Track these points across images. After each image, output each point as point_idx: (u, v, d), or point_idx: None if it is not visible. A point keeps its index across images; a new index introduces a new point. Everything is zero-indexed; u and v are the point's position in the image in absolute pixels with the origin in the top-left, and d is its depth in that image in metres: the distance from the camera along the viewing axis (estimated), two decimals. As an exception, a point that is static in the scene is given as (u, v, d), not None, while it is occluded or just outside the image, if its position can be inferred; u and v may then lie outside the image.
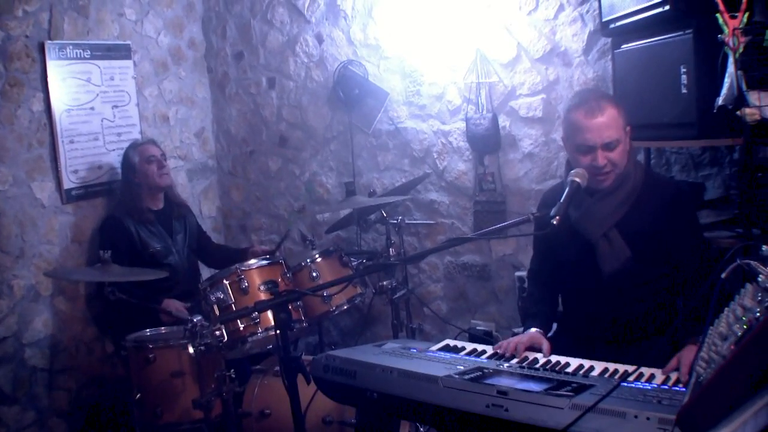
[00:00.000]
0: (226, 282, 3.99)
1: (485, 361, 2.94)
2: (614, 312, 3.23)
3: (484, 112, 4.92)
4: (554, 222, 2.85)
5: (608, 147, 3.09)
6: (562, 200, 2.94)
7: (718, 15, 2.99)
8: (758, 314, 1.70)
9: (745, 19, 2.97)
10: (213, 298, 3.96)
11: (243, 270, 4.04)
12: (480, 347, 3.17)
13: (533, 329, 3.28)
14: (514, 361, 2.97)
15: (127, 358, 4.03)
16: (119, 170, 5.13)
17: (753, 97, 2.98)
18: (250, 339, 3.92)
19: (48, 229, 4.80)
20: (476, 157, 5.06)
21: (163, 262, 4.77)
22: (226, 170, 6.32)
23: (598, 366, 2.82)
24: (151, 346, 3.94)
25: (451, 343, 3.25)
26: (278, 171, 6.05)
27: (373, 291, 4.54)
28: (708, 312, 1.95)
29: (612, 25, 3.90)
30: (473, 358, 2.98)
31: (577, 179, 3.05)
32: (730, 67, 3.01)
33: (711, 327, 1.93)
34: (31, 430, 4.68)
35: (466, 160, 5.12)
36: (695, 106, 3.31)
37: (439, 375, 2.62)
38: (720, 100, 3.08)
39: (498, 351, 3.10)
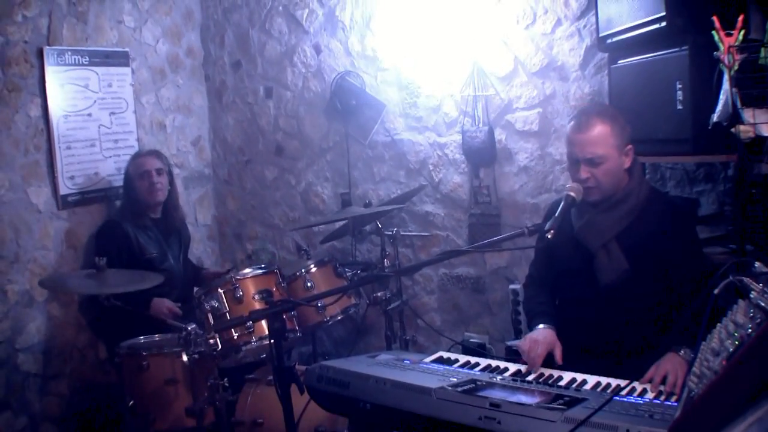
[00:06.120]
0: (220, 290, 4.00)
1: (478, 373, 2.95)
2: (610, 323, 3.25)
3: (481, 125, 4.94)
4: (548, 236, 2.89)
5: (591, 163, 3.17)
6: (557, 214, 2.98)
7: (714, 32, 3.01)
8: (750, 330, 1.71)
9: (740, 37, 2.99)
10: (207, 307, 3.96)
11: (238, 279, 4.05)
12: (473, 359, 3.17)
13: (543, 326, 3.31)
14: (507, 373, 2.98)
15: (120, 364, 4.02)
16: (115, 177, 5.15)
17: (747, 114, 3.00)
18: (243, 348, 3.93)
19: (43, 235, 4.80)
20: (472, 169, 5.07)
21: (159, 268, 4.78)
22: (222, 179, 6.33)
23: (591, 380, 2.83)
24: (144, 353, 3.94)
25: (445, 355, 3.26)
26: (274, 180, 6.05)
27: (367, 302, 4.55)
28: (700, 327, 1.97)
29: (609, 41, 3.92)
30: (466, 371, 2.98)
31: (572, 193, 3.12)
32: (725, 84, 3.03)
33: (703, 343, 1.93)
34: (23, 435, 4.68)
35: (462, 172, 5.13)
36: (690, 122, 3.33)
37: (432, 387, 2.63)
38: (715, 117, 3.10)
39: (531, 370, 3.09)
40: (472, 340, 5.09)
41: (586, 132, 3.19)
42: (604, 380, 2.81)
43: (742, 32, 3.00)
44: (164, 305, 4.60)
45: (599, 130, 3.18)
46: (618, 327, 3.24)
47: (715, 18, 3.01)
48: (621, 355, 3.23)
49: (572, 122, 3.31)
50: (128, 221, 4.81)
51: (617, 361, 3.18)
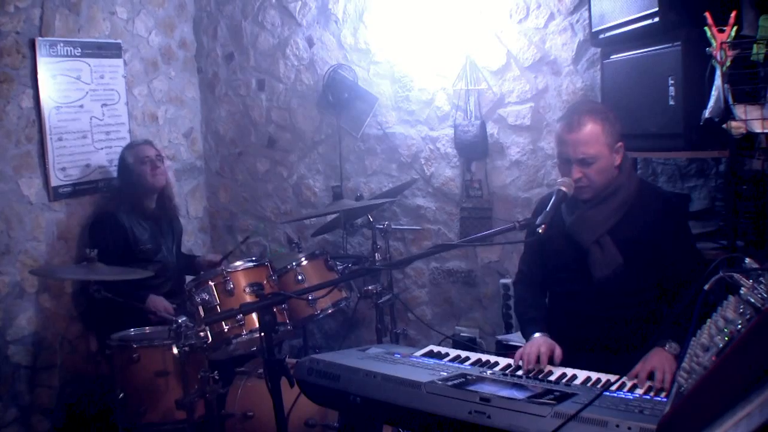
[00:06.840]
0: (211, 283, 3.99)
1: (469, 367, 2.95)
2: (603, 317, 3.25)
3: (473, 119, 4.94)
4: (540, 231, 2.87)
5: (583, 163, 3.14)
6: (548, 209, 2.96)
7: (706, 28, 3.02)
8: (740, 326, 1.72)
9: (733, 33, 2.99)
10: (198, 299, 3.96)
11: (229, 272, 4.04)
12: (464, 353, 3.17)
13: (539, 334, 3.26)
14: (497, 368, 2.98)
15: (111, 356, 4.01)
16: (108, 169, 5.15)
17: (739, 110, 3.01)
18: (234, 341, 3.93)
19: (34, 226, 4.79)
20: (463, 163, 5.07)
21: (154, 259, 4.78)
22: (214, 171, 6.32)
23: (581, 375, 2.84)
24: (135, 346, 3.93)
25: (435, 348, 3.26)
26: (266, 173, 6.05)
27: (358, 295, 4.55)
28: (690, 323, 1.97)
29: (602, 36, 3.92)
30: (457, 365, 2.98)
31: (564, 188, 3.09)
32: (718, 80, 3.04)
33: (693, 338, 1.94)
34: (13, 427, 4.66)
35: (454, 166, 5.14)
36: (682, 117, 3.34)
37: (422, 380, 2.62)
38: (707, 113, 3.11)
39: (520, 365, 3.07)
40: (462, 334, 5.10)
41: (577, 131, 3.15)
42: (594, 375, 2.81)
43: (735, 28, 3.00)
44: (161, 304, 4.60)
45: (591, 129, 3.14)
46: (611, 321, 3.24)
47: (707, 14, 3.02)
48: (614, 349, 3.22)
49: (563, 121, 3.26)
50: (123, 212, 4.78)
51: (610, 355, 3.17)
